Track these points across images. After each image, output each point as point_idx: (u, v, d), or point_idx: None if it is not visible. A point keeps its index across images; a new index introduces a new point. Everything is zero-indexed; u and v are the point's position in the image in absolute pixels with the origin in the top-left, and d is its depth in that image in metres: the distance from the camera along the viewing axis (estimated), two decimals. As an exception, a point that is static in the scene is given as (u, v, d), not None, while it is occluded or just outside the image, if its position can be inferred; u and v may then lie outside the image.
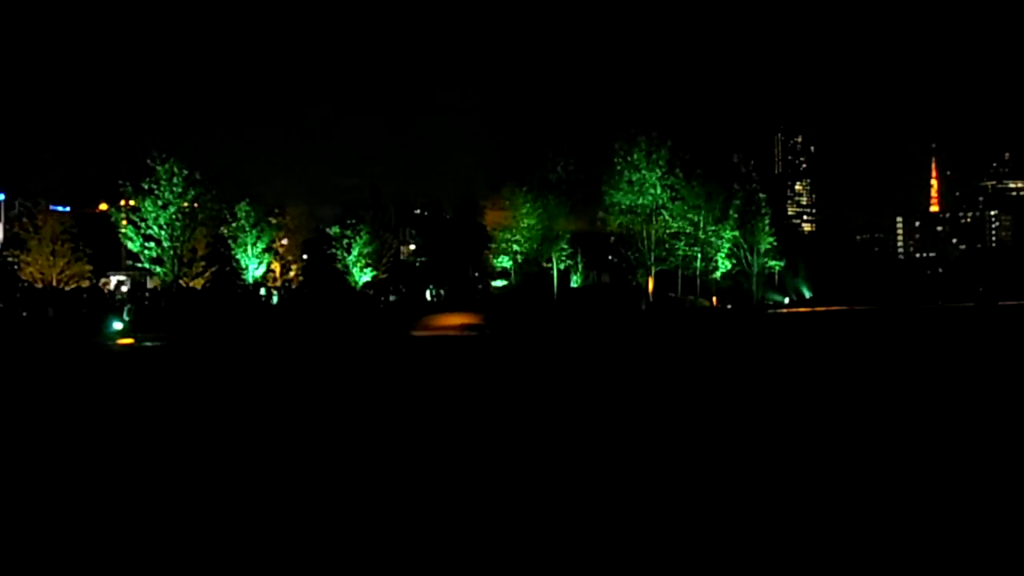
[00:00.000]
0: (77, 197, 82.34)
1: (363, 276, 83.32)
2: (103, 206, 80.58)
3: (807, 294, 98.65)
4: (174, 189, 70.57)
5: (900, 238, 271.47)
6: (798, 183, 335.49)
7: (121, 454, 11.63)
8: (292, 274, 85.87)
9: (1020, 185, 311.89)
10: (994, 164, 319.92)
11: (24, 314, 59.37)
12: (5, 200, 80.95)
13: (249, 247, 78.40)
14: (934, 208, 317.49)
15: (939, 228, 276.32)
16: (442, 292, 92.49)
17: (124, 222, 71.37)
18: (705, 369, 23.13)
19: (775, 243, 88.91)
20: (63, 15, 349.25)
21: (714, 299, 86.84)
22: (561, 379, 21.81)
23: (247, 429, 13.85)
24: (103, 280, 79.32)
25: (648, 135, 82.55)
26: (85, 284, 70.89)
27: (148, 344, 37.77)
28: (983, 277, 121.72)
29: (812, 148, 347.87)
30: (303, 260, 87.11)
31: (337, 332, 43.79)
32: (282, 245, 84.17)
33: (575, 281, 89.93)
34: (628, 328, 44.27)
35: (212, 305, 69.25)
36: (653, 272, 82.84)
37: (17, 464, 11.25)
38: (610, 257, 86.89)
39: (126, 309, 53.35)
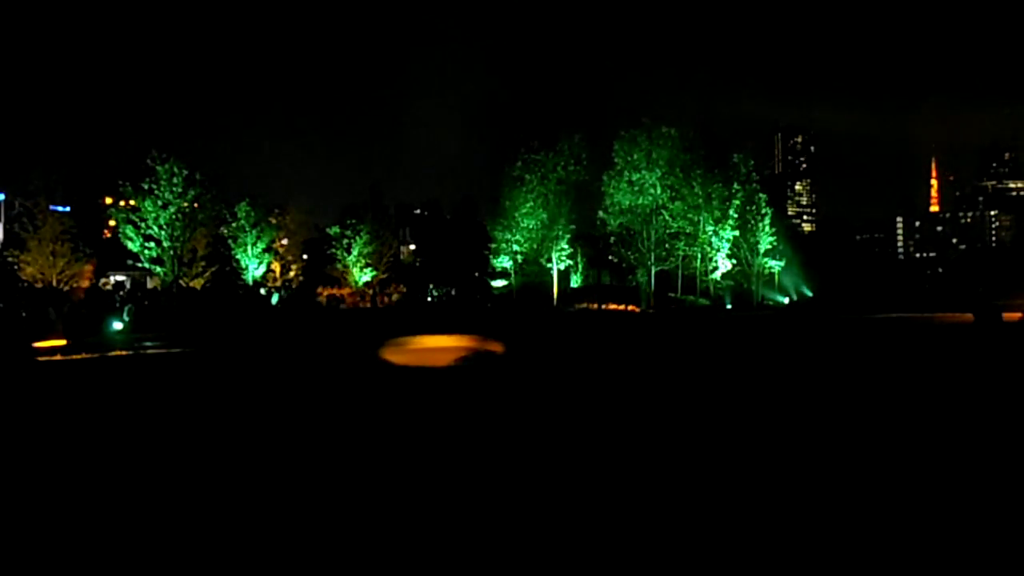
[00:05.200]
0: (77, 196, 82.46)
1: (363, 276, 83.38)
2: (108, 200, 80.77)
3: (807, 294, 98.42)
4: (174, 189, 70.63)
5: (900, 238, 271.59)
6: (798, 183, 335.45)
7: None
8: (292, 274, 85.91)
9: (1020, 185, 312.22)
10: (994, 164, 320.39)
11: (24, 314, 59.16)
12: (5, 200, 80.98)
13: (249, 247, 78.57)
14: (934, 208, 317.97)
15: (939, 228, 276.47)
16: (441, 295, 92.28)
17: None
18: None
19: (775, 243, 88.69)
20: (64, 15, 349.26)
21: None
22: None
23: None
24: (103, 280, 79.34)
25: (648, 135, 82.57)
26: (85, 284, 70.93)
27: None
28: (983, 277, 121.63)
29: (812, 148, 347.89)
30: (303, 260, 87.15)
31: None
32: (282, 245, 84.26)
33: (575, 281, 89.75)
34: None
35: (210, 305, 69.09)
36: (653, 272, 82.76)
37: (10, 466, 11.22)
38: (610, 257, 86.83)
39: (126, 309, 53.14)
